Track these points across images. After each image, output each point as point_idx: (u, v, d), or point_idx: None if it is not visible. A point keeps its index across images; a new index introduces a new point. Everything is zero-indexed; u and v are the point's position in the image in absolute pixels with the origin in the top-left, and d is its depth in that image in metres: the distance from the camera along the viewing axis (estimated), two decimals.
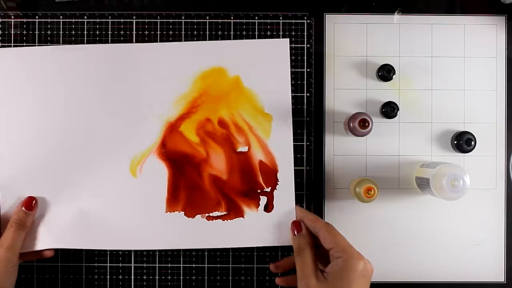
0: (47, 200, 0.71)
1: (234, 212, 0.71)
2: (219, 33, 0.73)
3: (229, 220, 0.71)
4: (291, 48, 0.72)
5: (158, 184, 0.71)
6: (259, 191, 0.72)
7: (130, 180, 0.71)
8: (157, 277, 0.73)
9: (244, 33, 0.73)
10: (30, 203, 0.69)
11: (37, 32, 0.72)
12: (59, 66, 0.71)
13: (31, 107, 0.71)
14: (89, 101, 0.71)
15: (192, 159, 0.72)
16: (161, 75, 0.71)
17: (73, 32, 0.72)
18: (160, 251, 0.73)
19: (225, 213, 0.71)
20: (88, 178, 0.71)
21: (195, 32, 0.73)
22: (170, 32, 0.73)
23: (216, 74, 0.72)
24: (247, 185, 0.71)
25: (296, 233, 0.68)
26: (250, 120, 0.72)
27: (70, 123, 0.71)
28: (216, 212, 0.71)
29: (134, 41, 0.73)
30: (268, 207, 0.72)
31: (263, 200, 0.72)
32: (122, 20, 0.73)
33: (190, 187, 0.71)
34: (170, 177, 0.71)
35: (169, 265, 0.73)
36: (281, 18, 0.73)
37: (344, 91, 0.73)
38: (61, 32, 0.72)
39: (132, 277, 0.73)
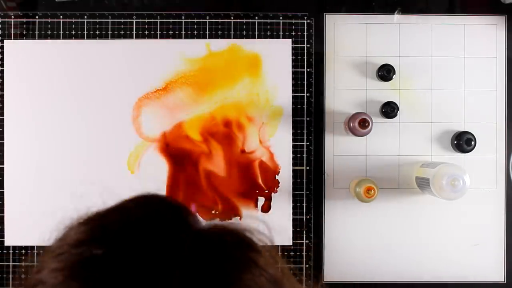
0: (45, 197, 0.71)
1: (231, 211, 0.71)
2: (219, 33, 0.73)
3: (226, 220, 0.71)
4: (291, 48, 0.73)
5: (157, 181, 0.71)
6: (257, 191, 0.72)
7: (128, 176, 0.71)
8: None
9: (244, 33, 0.73)
10: None
11: (37, 32, 0.72)
12: (47, 63, 0.71)
13: (26, 104, 0.71)
14: (83, 97, 0.71)
15: (193, 156, 0.71)
16: (149, 63, 0.72)
17: (73, 32, 0.72)
18: None
19: (222, 211, 0.71)
20: (86, 176, 0.71)
21: (195, 32, 0.73)
22: (170, 32, 0.73)
23: (231, 51, 0.72)
24: (246, 185, 0.71)
25: None
26: (256, 117, 0.72)
27: (64, 120, 0.71)
28: (213, 210, 0.71)
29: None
30: (266, 208, 0.72)
31: (261, 200, 0.72)
32: (122, 20, 0.73)
33: (189, 185, 0.71)
34: (170, 174, 0.71)
35: None
36: (281, 18, 0.73)
37: (344, 91, 0.73)
38: (61, 32, 0.72)
39: None
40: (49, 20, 0.73)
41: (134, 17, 0.73)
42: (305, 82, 0.73)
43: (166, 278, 0.30)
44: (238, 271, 0.32)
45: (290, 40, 0.73)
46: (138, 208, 0.35)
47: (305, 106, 0.73)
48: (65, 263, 0.31)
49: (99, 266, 0.30)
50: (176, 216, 0.35)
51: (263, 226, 0.37)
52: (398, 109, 0.72)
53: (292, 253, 0.72)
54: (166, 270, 0.30)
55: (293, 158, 0.72)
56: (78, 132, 0.71)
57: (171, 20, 0.73)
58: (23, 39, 0.72)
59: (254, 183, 0.72)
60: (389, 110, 0.71)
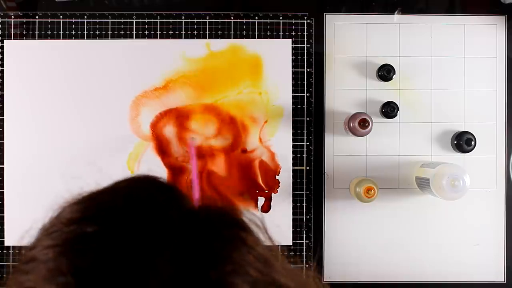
0: (45, 197, 0.71)
1: None
2: (219, 33, 0.73)
3: None
4: (291, 48, 0.73)
5: None
6: (257, 191, 0.72)
7: (128, 176, 0.71)
8: None
9: (244, 33, 0.73)
10: None
11: (37, 32, 0.72)
12: (47, 63, 0.71)
13: (26, 104, 0.71)
14: (83, 97, 0.71)
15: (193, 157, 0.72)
16: (149, 63, 0.72)
17: (73, 32, 0.72)
18: None
19: None
20: (86, 175, 0.71)
21: (195, 32, 0.73)
22: (170, 32, 0.73)
23: (232, 51, 0.72)
24: (246, 185, 0.71)
25: None
26: (257, 117, 0.72)
27: (64, 120, 0.71)
28: None
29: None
30: (266, 208, 0.72)
31: (261, 200, 0.72)
32: (122, 20, 0.73)
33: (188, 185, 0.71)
34: (170, 174, 0.71)
35: None
36: (281, 18, 0.73)
37: (344, 91, 0.73)
38: (61, 32, 0.72)
39: None
40: (49, 20, 0.73)
41: (134, 17, 0.73)
42: (305, 82, 0.73)
43: (155, 255, 0.30)
44: (227, 249, 0.32)
45: (290, 40, 0.73)
46: (130, 188, 0.36)
47: (305, 106, 0.73)
48: (57, 240, 0.32)
49: (89, 244, 0.30)
50: (167, 196, 0.36)
51: (260, 222, 0.37)
52: (398, 109, 0.72)
53: (292, 253, 0.72)
54: (155, 248, 0.30)
55: (293, 158, 0.72)
56: (78, 133, 0.71)
57: (171, 20, 0.73)
58: (23, 39, 0.72)
59: (254, 183, 0.72)
60: (389, 110, 0.71)
